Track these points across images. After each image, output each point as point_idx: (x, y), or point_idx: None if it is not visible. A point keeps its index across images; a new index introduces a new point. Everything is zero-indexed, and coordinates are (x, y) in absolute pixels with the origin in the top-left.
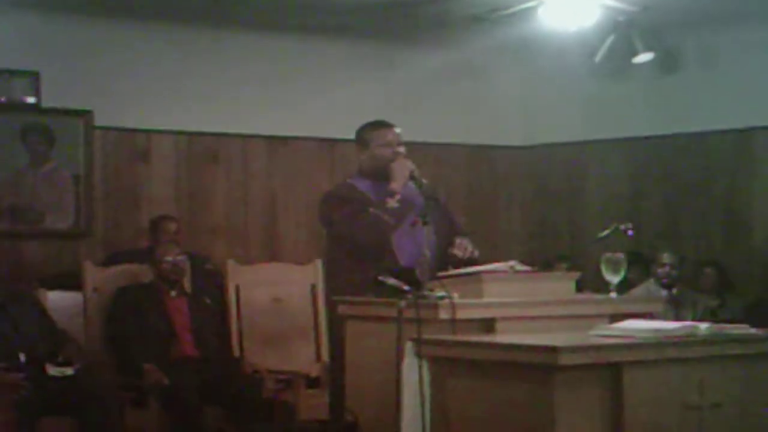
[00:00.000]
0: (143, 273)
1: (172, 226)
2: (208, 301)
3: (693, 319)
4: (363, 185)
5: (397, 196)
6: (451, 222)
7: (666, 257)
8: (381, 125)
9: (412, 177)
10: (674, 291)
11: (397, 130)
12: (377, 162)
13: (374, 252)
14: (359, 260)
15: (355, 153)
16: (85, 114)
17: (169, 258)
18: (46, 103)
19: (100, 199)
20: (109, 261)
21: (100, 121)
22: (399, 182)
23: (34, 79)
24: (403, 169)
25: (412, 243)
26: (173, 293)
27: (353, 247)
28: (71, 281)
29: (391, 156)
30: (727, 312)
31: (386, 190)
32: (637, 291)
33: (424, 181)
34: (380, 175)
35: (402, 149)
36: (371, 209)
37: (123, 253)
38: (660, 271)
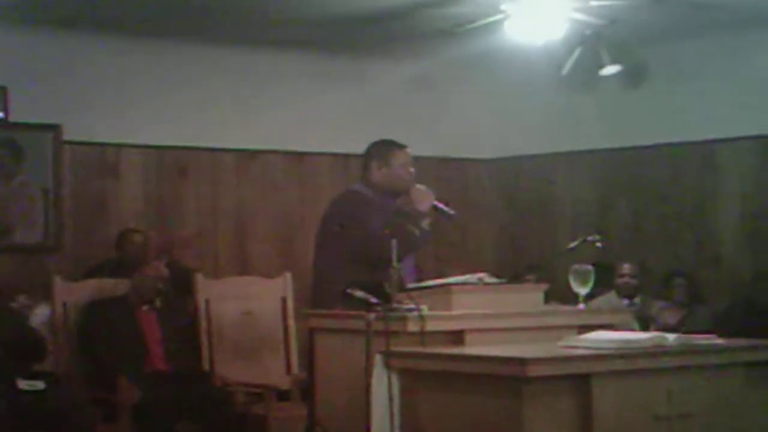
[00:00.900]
0: (112, 287)
1: (138, 238)
2: (184, 319)
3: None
4: (373, 198)
5: (429, 220)
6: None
7: (626, 268)
8: (400, 146)
9: (435, 208)
10: (636, 300)
11: (409, 151)
12: (396, 181)
13: (382, 265)
14: (358, 269)
15: (367, 166)
16: (53, 128)
17: (154, 275)
18: (15, 118)
19: (70, 213)
20: (87, 275)
21: (69, 135)
22: (424, 207)
23: (2, 93)
24: (425, 196)
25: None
26: (145, 307)
27: (368, 257)
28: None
29: (409, 178)
30: (695, 322)
31: (418, 212)
32: (597, 302)
33: (452, 212)
34: (395, 193)
35: (413, 170)
36: (408, 226)
37: (100, 266)
38: (620, 281)
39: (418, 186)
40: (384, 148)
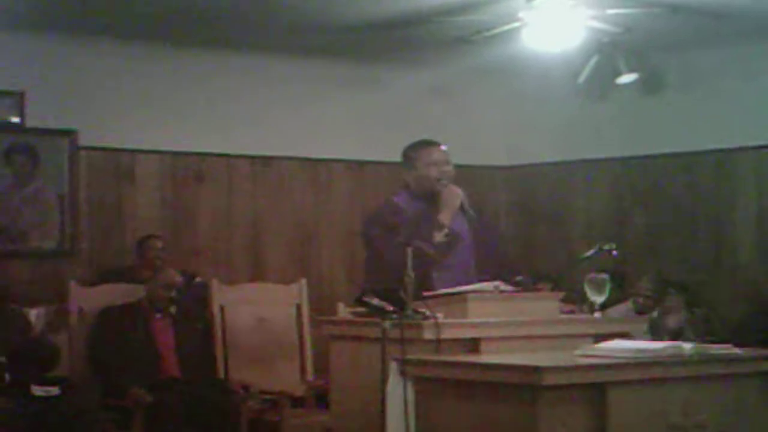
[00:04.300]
0: (128, 293)
1: (158, 244)
2: (199, 326)
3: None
4: (410, 206)
5: (445, 230)
6: (502, 254)
7: (642, 286)
8: (427, 143)
9: (461, 208)
10: (652, 315)
11: (444, 147)
12: (424, 182)
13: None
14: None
15: (401, 172)
16: (69, 134)
17: (167, 282)
18: (31, 123)
19: (85, 218)
20: (101, 279)
21: (84, 141)
22: (448, 214)
23: (18, 99)
24: (453, 198)
25: (452, 273)
26: (158, 315)
27: (392, 276)
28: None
29: (438, 175)
30: (696, 324)
31: (434, 221)
32: (612, 311)
33: (472, 212)
34: (427, 196)
35: (449, 168)
36: (416, 242)
37: (113, 271)
38: (638, 299)
39: (449, 189)
40: (410, 150)
